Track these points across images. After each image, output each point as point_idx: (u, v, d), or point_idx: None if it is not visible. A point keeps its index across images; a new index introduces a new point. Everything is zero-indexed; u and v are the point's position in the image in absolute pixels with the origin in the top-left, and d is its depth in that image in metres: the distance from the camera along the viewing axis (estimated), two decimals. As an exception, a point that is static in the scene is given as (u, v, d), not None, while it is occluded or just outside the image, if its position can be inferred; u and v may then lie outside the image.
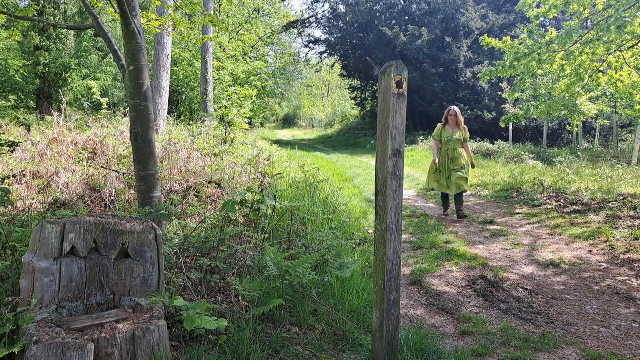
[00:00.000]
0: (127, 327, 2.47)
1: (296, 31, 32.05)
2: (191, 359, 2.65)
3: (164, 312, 2.72)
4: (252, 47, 26.81)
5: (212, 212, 5.20)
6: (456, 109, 7.21)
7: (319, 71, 40.24)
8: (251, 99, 11.44)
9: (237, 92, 10.99)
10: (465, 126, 7.23)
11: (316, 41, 30.72)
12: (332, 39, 29.35)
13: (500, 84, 20.27)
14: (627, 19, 6.23)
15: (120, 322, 2.52)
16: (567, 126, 17.38)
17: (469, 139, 7.26)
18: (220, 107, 11.10)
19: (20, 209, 5.03)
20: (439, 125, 7.32)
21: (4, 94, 19.66)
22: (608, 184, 8.78)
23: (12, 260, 3.11)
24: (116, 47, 4.31)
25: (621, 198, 7.74)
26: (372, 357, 2.85)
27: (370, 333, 3.05)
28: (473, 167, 7.46)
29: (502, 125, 10.16)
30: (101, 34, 4.33)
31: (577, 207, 7.63)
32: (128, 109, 4.29)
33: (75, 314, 2.65)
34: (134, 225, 2.84)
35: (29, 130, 8.88)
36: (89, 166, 6.62)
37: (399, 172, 2.63)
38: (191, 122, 13.33)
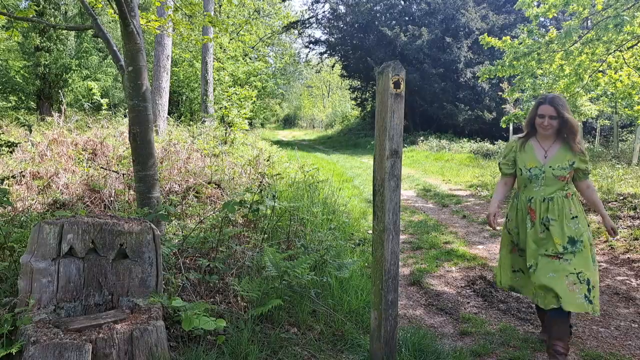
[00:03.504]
0: (125, 327, 2.47)
1: (296, 32, 32.07)
2: (189, 358, 2.65)
3: (162, 313, 2.72)
4: (252, 48, 26.82)
5: (212, 213, 5.21)
6: (558, 99, 3.08)
7: (319, 72, 40.24)
8: (251, 100, 11.45)
9: (237, 93, 11.01)
10: (582, 147, 3.12)
11: (316, 41, 30.74)
12: (332, 40, 29.36)
13: (501, 84, 20.26)
14: (625, 18, 6.22)
15: (118, 323, 2.52)
16: (567, 126, 17.34)
17: (589, 171, 3.18)
18: (221, 108, 11.12)
19: (20, 209, 5.03)
20: (513, 139, 3.34)
21: (5, 94, 19.67)
22: (608, 183, 8.77)
23: (10, 260, 3.12)
24: (115, 48, 4.31)
25: (621, 198, 7.73)
26: (370, 357, 2.85)
27: (369, 333, 3.05)
28: (614, 234, 3.22)
29: (503, 125, 10.16)
30: (100, 34, 4.33)
31: (577, 207, 7.62)
32: (127, 110, 4.29)
33: (73, 314, 2.65)
34: (132, 225, 2.84)
35: (30, 131, 8.90)
36: (89, 167, 6.62)
37: (396, 173, 2.63)
38: (191, 123, 13.34)
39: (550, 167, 3.06)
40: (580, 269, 2.94)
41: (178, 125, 12.14)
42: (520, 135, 3.29)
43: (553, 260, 2.99)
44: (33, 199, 5.41)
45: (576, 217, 3.04)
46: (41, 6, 17.61)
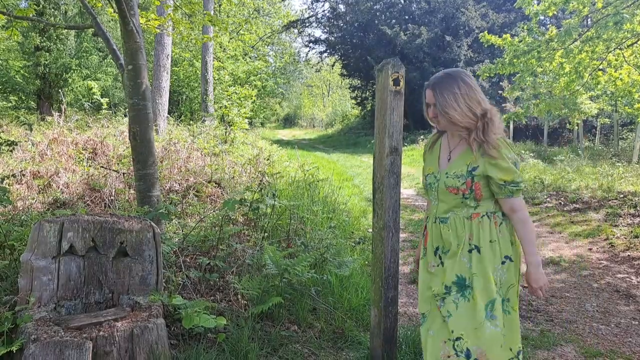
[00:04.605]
0: (125, 325, 2.47)
1: (296, 31, 32.08)
2: (190, 357, 2.65)
3: (162, 311, 2.72)
4: (252, 47, 26.82)
5: (212, 211, 5.21)
6: (444, 79, 2.11)
7: (319, 71, 40.22)
8: (251, 99, 11.46)
9: (237, 92, 11.01)
10: (494, 144, 2.03)
11: (316, 41, 30.73)
12: (332, 39, 29.36)
13: (501, 83, 20.26)
14: (625, 16, 6.22)
15: (119, 321, 2.52)
16: (568, 125, 17.39)
17: (511, 186, 2.05)
18: (221, 107, 11.12)
19: (20, 208, 5.03)
20: (432, 134, 2.42)
21: (5, 94, 19.69)
22: (608, 182, 8.77)
23: (11, 259, 3.12)
24: (115, 47, 4.31)
25: (621, 196, 7.73)
26: (370, 354, 2.86)
27: (369, 331, 3.05)
28: (535, 294, 2.08)
29: (503, 123, 10.14)
30: (100, 33, 4.33)
31: (577, 205, 7.63)
32: (127, 109, 4.30)
33: (73, 312, 2.66)
34: (132, 223, 2.84)
35: (31, 130, 8.91)
36: (89, 166, 6.62)
37: (396, 170, 2.63)
38: (191, 122, 13.34)
39: (446, 173, 2.14)
40: (459, 332, 1.99)
41: (178, 124, 12.14)
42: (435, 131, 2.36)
43: (438, 311, 2.10)
44: (33, 198, 5.41)
45: (476, 248, 2.06)
46: (41, 6, 17.61)
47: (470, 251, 2.07)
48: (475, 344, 1.97)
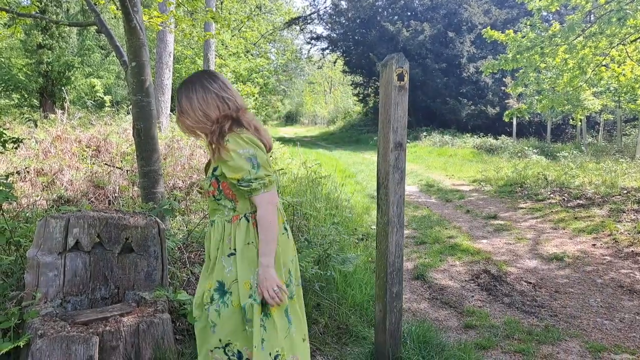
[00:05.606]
0: (131, 320, 2.49)
1: (298, 28, 32.04)
2: (195, 352, 2.66)
3: (167, 306, 2.74)
4: (254, 44, 26.79)
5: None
6: (189, 80, 2.03)
7: (321, 67, 40.19)
8: (253, 96, 11.47)
9: (239, 90, 11.02)
10: (227, 142, 1.90)
11: (318, 37, 30.72)
12: (334, 35, 29.34)
13: (504, 79, 20.22)
14: (628, 11, 6.20)
15: (125, 316, 2.54)
16: (571, 121, 17.35)
17: (245, 184, 1.92)
18: (223, 104, 11.11)
19: (25, 205, 5.05)
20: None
21: (7, 92, 19.74)
22: (611, 178, 8.75)
23: (17, 255, 3.13)
24: (118, 44, 4.32)
25: (625, 192, 7.72)
26: (375, 349, 2.86)
27: (373, 326, 3.06)
28: (261, 291, 1.92)
29: (506, 119, 10.17)
30: (103, 30, 4.33)
31: (581, 201, 7.62)
32: (131, 106, 4.30)
33: (79, 307, 2.67)
34: (137, 219, 2.85)
35: (36, 126, 8.95)
36: (93, 163, 6.64)
37: (400, 165, 2.63)
38: (194, 119, 13.32)
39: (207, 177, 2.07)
40: (227, 339, 1.97)
41: (181, 122, 12.13)
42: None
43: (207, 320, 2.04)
44: (38, 196, 5.43)
45: (233, 254, 1.97)
46: (43, 3, 17.64)
47: (230, 255, 1.97)
48: (245, 344, 1.96)
